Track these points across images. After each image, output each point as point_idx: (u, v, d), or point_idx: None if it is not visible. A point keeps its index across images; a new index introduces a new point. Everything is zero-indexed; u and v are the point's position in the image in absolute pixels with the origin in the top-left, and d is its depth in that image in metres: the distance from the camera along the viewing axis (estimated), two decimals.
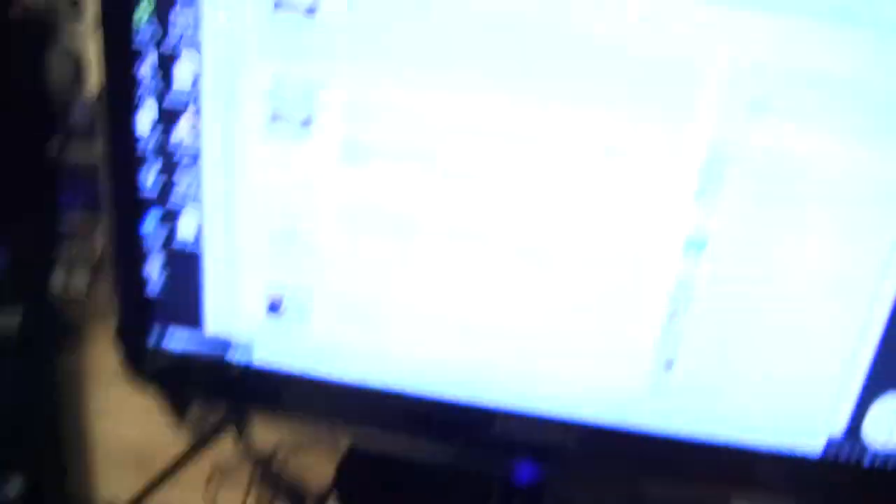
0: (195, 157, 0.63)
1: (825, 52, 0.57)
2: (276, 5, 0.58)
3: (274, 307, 0.68)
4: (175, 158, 0.63)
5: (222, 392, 0.74)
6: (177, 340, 0.70)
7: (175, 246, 0.66)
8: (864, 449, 0.68)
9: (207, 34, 0.60)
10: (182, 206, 0.65)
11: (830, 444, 0.68)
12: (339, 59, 0.60)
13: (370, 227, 0.64)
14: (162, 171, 0.64)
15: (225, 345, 0.70)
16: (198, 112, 0.62)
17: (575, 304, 0.65)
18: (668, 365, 0.66)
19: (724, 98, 0.59)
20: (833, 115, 0.58)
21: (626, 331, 0.66)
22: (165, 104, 0.62)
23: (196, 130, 0.62)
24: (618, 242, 0.63)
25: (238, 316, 0.68)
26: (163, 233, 0.65)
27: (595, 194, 0.62)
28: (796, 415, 0.68)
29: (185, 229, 0.65)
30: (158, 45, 0.60)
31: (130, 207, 0.65)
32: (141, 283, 0.67)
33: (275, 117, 0.62)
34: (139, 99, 0.62)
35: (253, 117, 0.62)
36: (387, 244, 0.64)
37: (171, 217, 0.65)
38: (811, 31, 0.56)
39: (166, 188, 0.64)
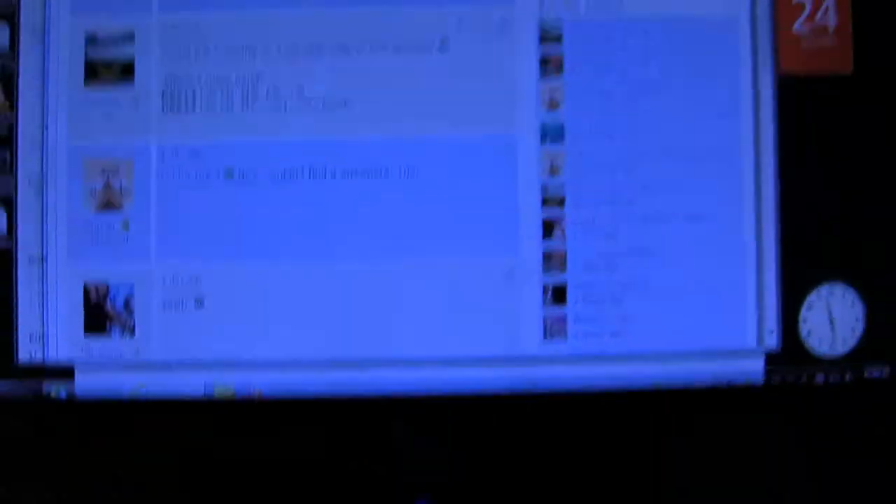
0: (10, 129, 0.61)
1: None
2: None
3: (95, 311, 0.61)
4: None
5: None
6: None
7: None
8: (811, 359, 0.61)
9: None
10: None
11: (771, 361, 0.61)
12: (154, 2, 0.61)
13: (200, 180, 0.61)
14: None
15: (41, 373, 0.62)
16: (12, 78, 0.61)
17: (428, 236, 0.61)
18: (556, 295, 0.61)
19: None
20: None
21: (501, 258, 0.61)
22: None
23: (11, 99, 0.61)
24: (465, 151, 0.61)
25: (55, 330, 0.61)
26: None
27: (435, 98, 0.61)
28: (720, 332, 0.61)
29: None
30: None
31: None
32: None
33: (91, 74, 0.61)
34: None
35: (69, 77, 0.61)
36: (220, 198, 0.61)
37: None
38: None
39: None
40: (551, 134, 0.60)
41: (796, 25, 0.61)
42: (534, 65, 0.60)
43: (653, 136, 0.60)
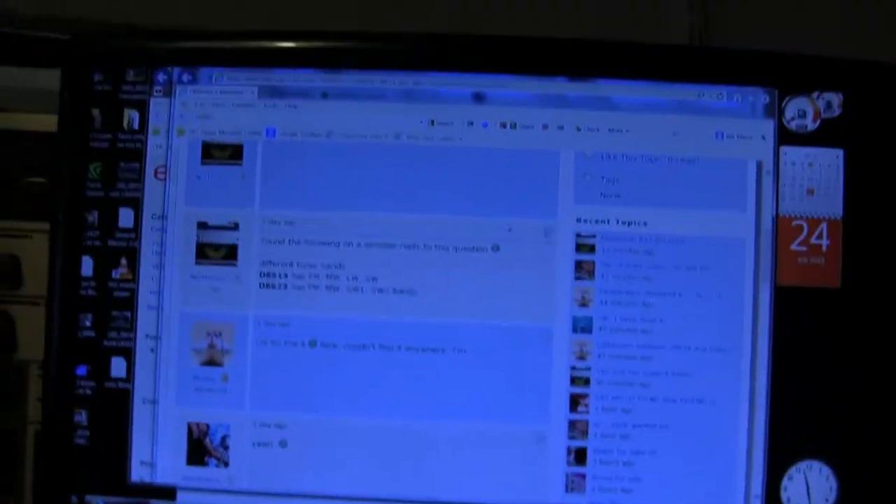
0: (131, 295, 0.75)
1: (652, 137, 0.74)
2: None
3: (196, 446, 0.76)
4: (113, 296, 0.75)
5: None
6: (100, 493, 0.76)
7: (107, 385, 0.75)
8: None
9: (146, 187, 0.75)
10: (116, 343, 0.75)
11: None
12: (256, 200, 0.75)
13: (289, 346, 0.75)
14: (99, 311, 0.75)
15: (149, 492, 0.76)
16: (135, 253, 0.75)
17: (475, 404, 0.74)
18: (578, 456, 0.74)
19: (579, 189, 0.74)
20: (669, 190, 0.74)
21: (534, 424, 0.74)
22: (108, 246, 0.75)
23: (133, 270, 0.75)
24: (509, 336, 0.74)
25: (162, 458, 0.76)
26: (96, 372, 0.75)
27: (487, 291, 0.74)
28: (713, 494, 0.74)
29: (117, 366, 0.76)
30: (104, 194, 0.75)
31: (69, 349, 0.76)
32: (69, 430, 0.75)
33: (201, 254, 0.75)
34: (84, 242, 0.75)
35: (182, 255, 0.75)
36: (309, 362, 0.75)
37: (105, 355, 0.75)
38: (640, 122, 0.74)
39: (102, 326, 0.75)
40: (581, 326, 0.74)
41: (794, 245, 0.73)
42: (570, 269, 0.74)
43: (666, 333, 0.73)
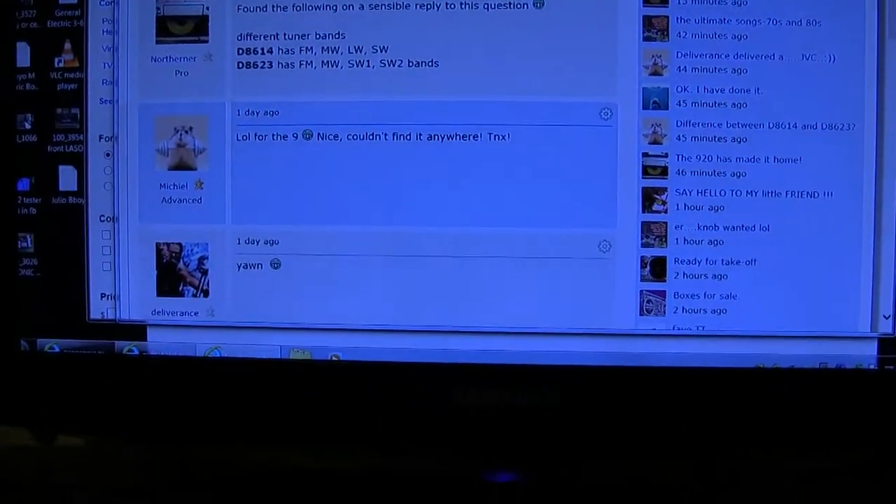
0: (79, 86, 0.67)
1: None
2: None
3: (168, 272, 0.68)
4: (56, 90, 0.67)
5: (112, 401, 0.71)
6: (55, 335, 0.69)
7: (56, 201, 0.67)
8: None
9: None
10: (64, 148, 0.67)
11: (885, 348, 0.65)
12: None
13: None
14: (41, 108, 0.67)
15: (113, 332, 0.69)
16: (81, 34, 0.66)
17: (518, 204, 0.65)
18: (655, 269, 0.65)
19: None
20: None
21: (596, 228, 0.65)
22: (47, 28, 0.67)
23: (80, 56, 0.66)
24: (560, 115, 0.65)
25: (127, 290, 0.68)
26: (41, 185, 0.67)
27: (529, 59, 0.64)
28: (830, 315, 0.65)
29: (66, 177, 0.67)
30: None
31: (5, 158, 0.68)
32: (12, 260, 0.68)
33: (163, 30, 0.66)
34: (17, 24, 0.67)
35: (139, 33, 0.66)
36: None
37: (51, 163, 0.67)
38: None
39: (46, 128, 0.67)
40: (654, 100, 0.64)
41: None
42: (636, 26, 0.63)
43: (765, 107, 0.63)
